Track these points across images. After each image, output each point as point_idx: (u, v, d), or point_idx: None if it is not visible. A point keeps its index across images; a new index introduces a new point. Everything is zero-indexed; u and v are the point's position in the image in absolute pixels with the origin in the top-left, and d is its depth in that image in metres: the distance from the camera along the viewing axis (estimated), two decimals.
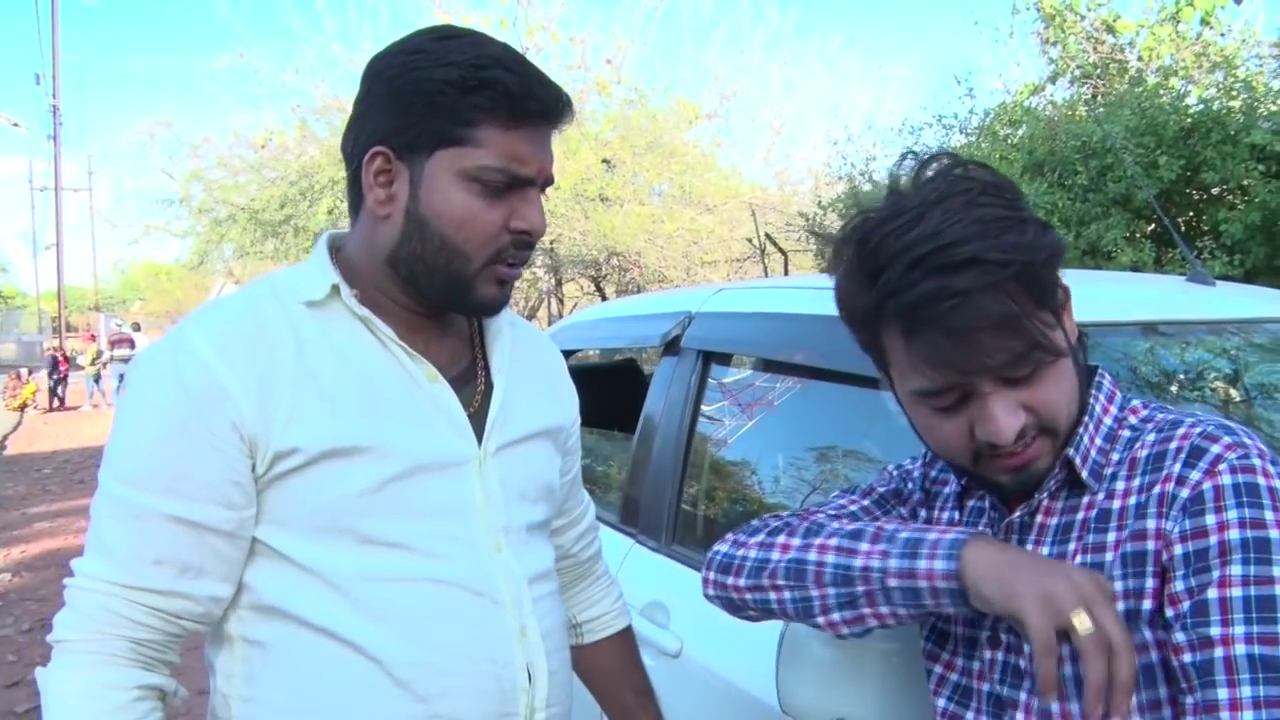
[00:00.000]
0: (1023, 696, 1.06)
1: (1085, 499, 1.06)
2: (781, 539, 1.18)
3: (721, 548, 1.26)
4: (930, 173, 1.05)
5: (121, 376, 20.78)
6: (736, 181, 15.94)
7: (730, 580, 1.22)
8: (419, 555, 1.17)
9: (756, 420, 2.33)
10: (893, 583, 1.04)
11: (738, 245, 14.33)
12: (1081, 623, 0.89)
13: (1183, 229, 5.76)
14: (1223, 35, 6.71)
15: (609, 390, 3.37)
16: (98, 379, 22.73)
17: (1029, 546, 1.08)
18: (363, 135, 1.17)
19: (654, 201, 14.41)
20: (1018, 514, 1.10)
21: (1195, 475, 0.98)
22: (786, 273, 10.98)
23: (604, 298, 16.49)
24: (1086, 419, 1.07)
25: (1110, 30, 7.06)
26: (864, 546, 1.08)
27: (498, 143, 1.14)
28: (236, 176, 15.23)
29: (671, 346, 2.37)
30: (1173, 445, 1.02)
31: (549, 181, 1.20)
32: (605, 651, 1.48)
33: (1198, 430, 1.02)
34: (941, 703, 1.16)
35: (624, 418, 3.11)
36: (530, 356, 1.38)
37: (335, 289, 1.18)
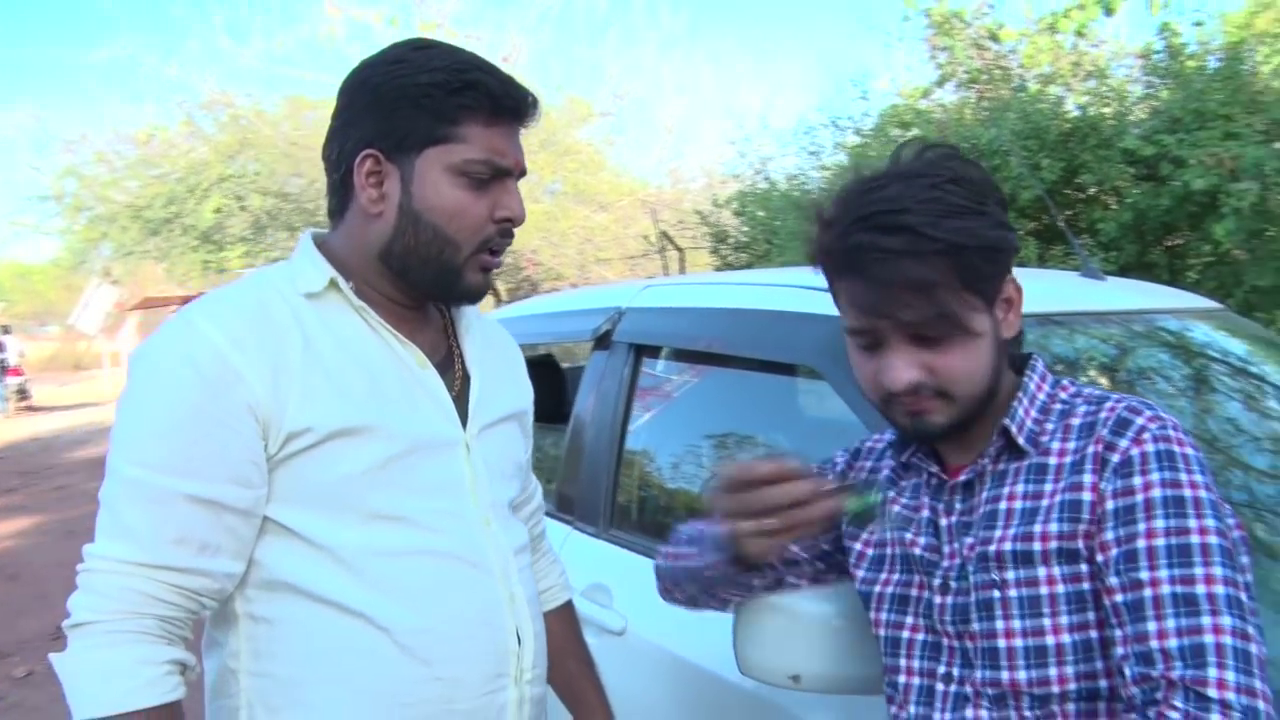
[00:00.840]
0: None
1: (1027, 460, 1.20)
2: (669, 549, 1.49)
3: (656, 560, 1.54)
4: (923, 156, 1.20)
5: None
6: (630, 180, 16.13)
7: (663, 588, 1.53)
8: (420, 529, 1.26)
9: (686, 409, 2.46)
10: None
11: (632, 243, 14.50)
12: None
13: (1062, 228, 6.08)
14: (1095, 46, 7.08)
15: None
16: None
17: (975, 497, 1.22)
18: (349, 141, 1.27)
19: (548, 200, 14.48)
20: (963, 476, 1.23)
21: (1124, 443, 1.13)
22: (683, 269, 11.18)
23: (497, 295, 16.48)
24: (1021, 395, 1.22)
25: (994, 38, 7.39)
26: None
27: (480, 138, 1.26)
28: (117, 173, 14.81)
29: (603, 341, 2.48)
30: (1102, 415, 1.17)
31: (524, 173, 1.33)
32: (552, 623, 1.57)
33: (1123, 405, 1.17)
34: (887, 659, 1.30)
35: (545, 409, 3.22)
36: (496, 346, 1.51)
37: (333, 282, 1.26)
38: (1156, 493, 1.09)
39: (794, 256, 6.35)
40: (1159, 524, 1.08)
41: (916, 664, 1.26)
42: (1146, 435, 1.12)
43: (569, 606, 1.67)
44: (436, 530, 1.28)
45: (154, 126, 14.58)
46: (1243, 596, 1.06)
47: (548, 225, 13.36)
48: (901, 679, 1.28)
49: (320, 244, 1.33)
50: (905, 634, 1.28)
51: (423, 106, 1.24)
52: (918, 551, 1.26)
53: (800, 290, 2.01)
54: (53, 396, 22.43)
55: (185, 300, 26.67)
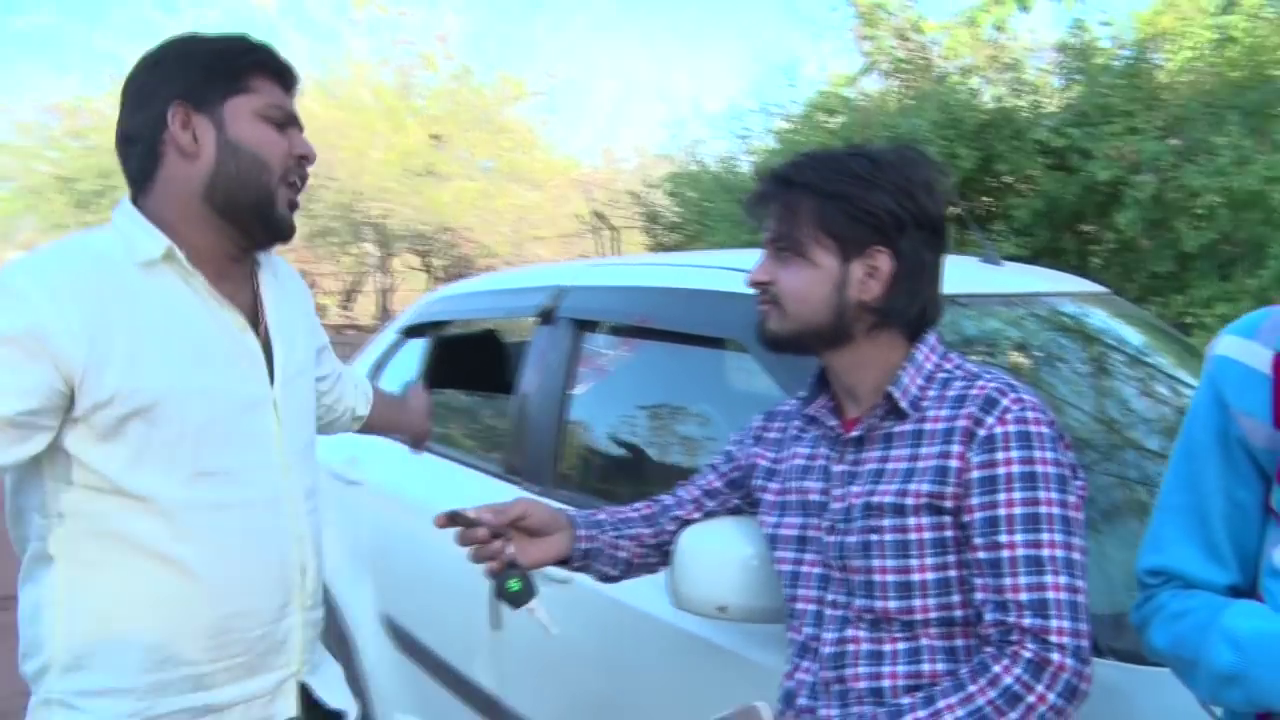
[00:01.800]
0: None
1: (907, 425, 1.43)
2: None
3: None
4: (887, 148, 1.50)
5: None
6: (564, 159, 16.21)
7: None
8: (235, 483, 1.46)
9: (622, 381, 2.67)
10: None
11: (566, 222, 14.60)
12: None
13: (980, 213, 6.37)
14: (1013, 39, 7.38)
15: (473, 356, 3.66)
16: None
17: (864, 453, 1.45)
18: (156, 104, 1.44)
19: (482, 178, 14.54)
20: (854, 432, 1.47)
21: (990, 420, 1.36)
22: (617, 248, 11.34)
23: (430, 271, 16.51)
24: (908, 364, 1.45)
25: (917, 29, 7.66)
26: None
27: (270, 92, 1.50)
28: (42, 143, 14.55)
29: (547, 317, 2.67)
30: (973, 392, 1.40)
31: (302, 127, 1.57)
32: (379, 406, 2.02)
33: (992, 385, 1.40)
34: (786, 589, 1.53)
35: (490, 380, 3.44)
36: (289, 289, 1.68)
37: (168, 251, 1.42)
38: (1015, 468, 1.33)
39: (724, 237, 6.56)
40: (1016, 495, 1.32)
41: (811, 593, 1.49)
42: (1009, 415, 1.35)
43: (377, 392, 2.08)
44: (247, 483, 1.48)
45: (80, 97, 14.37)
46: (1075, 556, 1.32)
47: (482, 203, 13.43)
48: (799, 605, 1.51)
49: (141, 210, 1.46)
50: (803, 569, 1.51)
51: (218, 67, 1.46)
52: (813, 497, 1.50)
53: (727, 271, 2.23)
54: None
55: None
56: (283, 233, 1.52)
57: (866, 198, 1.39)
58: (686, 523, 1.72)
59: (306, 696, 1.60)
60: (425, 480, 2.97)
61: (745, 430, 1.72)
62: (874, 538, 1.39)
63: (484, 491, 2.63)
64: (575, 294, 2.65)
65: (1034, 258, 5.92)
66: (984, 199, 6.38)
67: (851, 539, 1.42)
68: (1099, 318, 2.55)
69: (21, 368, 1.28)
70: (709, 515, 1.73)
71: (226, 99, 1.45)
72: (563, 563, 1.67)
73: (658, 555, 1.74)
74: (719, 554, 1.65)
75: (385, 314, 15.88)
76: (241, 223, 1.48)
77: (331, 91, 14.57)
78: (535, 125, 16.51)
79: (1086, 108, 5.75)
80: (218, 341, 1.46)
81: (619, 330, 2.63)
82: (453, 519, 1.58)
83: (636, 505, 1.78)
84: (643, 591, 1.97)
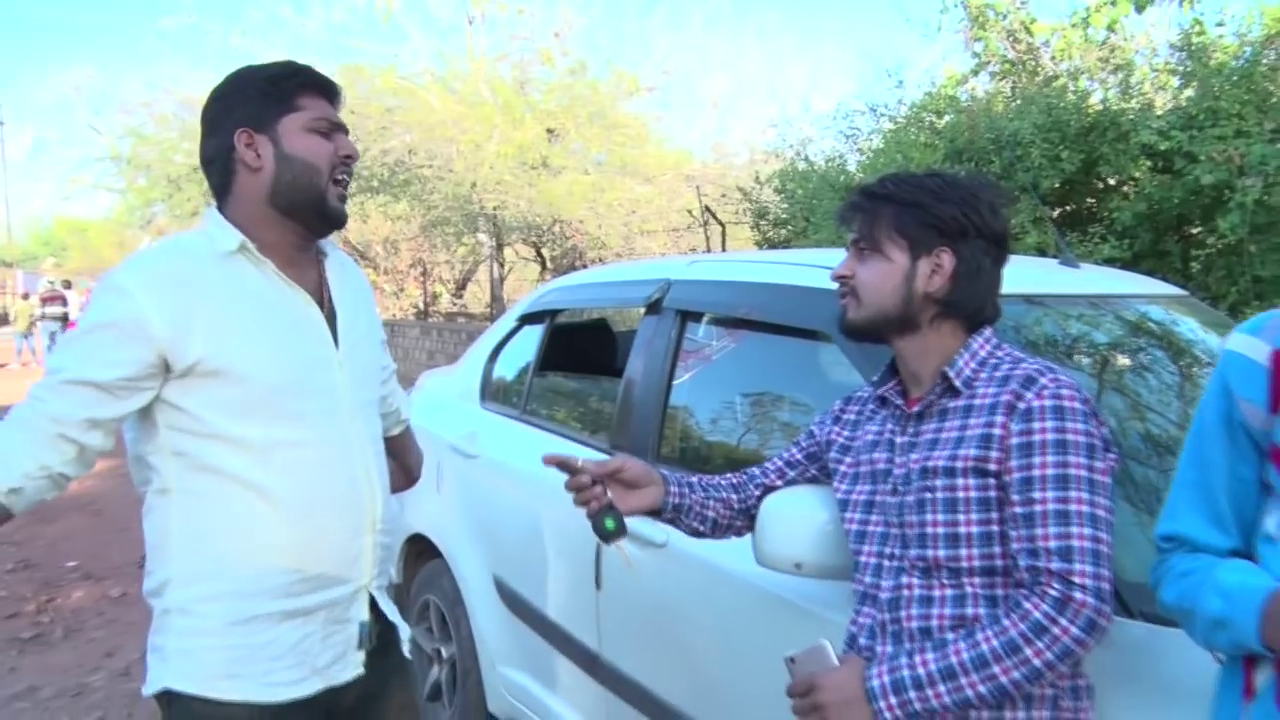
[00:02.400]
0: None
1: (960, 400, 1.64)
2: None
3: None
4: (963, 174, 1.78)
5: (53, 335, 20.50)
6: (675, 154, 16.40)
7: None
8: (307, 425, 1.78)
9: (722, 368, 2.90)
10: None
11: (675, 216, 14.81)
12: None
13: (1083, 215, 6.42)
14: (1125, 40, 7.36)
15: (585, 342, 3.95)
16: (27, 335, 22.43)
17: (924, 427, 1.68)
18: (223, 132, 1.78)
19: (595, 171, 14.81)
20: (916, 408, 1.69)
21: (1029, 395, 1.57)
22: (724, 243, 11.53)
23: (543, 262, 16.91)
24: (963, 350, 1.67)
25: (1028, 31, 7.69)
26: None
27: (316, 106, 1.80)
28: (184, 136, 15.28)
29: (654, 308, 2.92)
30: (1016, 372, 1.61)
31: (347, 130, 1.87)
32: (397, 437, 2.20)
33: (1033, 367, 1.62)
34: (852, 545, 1.76)
35: (597, 364, 3.73)
36: (351, 279, 2.00)
37: (242, 244, 1.75)
38: (1050, 436, 1.54)
39: (829, 234, 6.71)
40: (1049, 459, 1.54)
41: (874, 548, 1.72)
42: (1046, 392, 1.57)
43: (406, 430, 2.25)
44: (318, 426, 1.79)
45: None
46: (1099, 513, 1.52)
47: (594, 196, 13.70)
48: (863, 559, 1.74)
49: (223, 214, 1.80)
50: (869, 528, 1.74)
51: (271, 93, 1.77)
52: (880, 466, 1.73)
53: (818, 269, 2.44)
54: None
55: None
56: (336, 221, 1.85)
57: (936, 207, 1.67)
58: (770, 490, 1.96)
59: (374, 608, 1.92)
60: (532, 454, 3.24)
61: (827, 412, 1.95)
62: (928, 495, 1.62)
63: None
64: (680, 286, 2.89)
65: (1135, 260, 5.95)
66: (1088, 200, 6.41)
67: (910, 498, 1.65)
68: (1172, 319, 2.69)
69: (119, 345, 1.64)
70: (789, 484, 1.96)
71: (280, 118, 1.77)
72: (654, 514, 1.91)
73: (744, 519, 1.98)
74: (796, 517, 1.89)
75: (496, 302, 16.27)
76: (301, 217, 1.81)
77: (450, 86, 15.04)
78: (648, 120, 16.72)
79: (1195, 110, 5.76)
80: (285, 313, 1.79)
81: (720, 321, 2.87)
82: (560, 462, 1.87)
83: (726, 475, 2.03)
84: (730, 553, 2.21)
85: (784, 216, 8.81)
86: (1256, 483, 1.34)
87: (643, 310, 2.99)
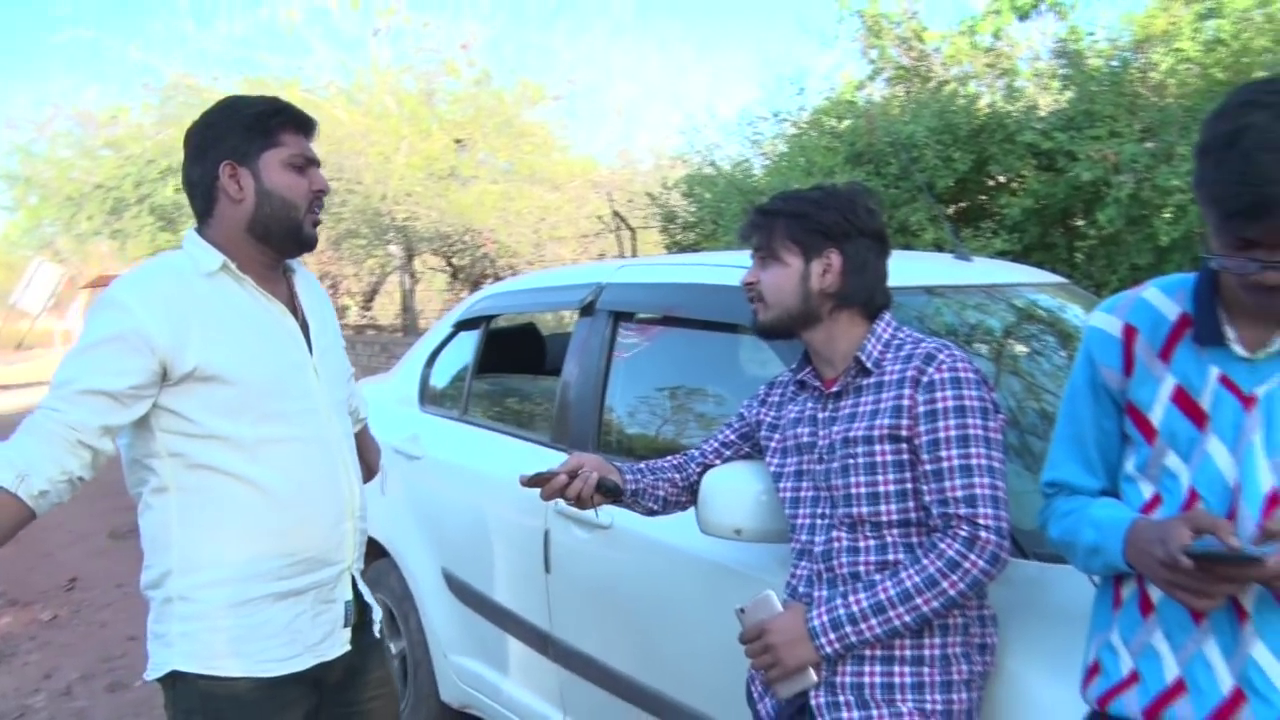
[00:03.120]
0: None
1: (871, 379, 1.91)
2: None
3: None
4: (839, 184, 2.04)
5: None
6: (582, 161, 16.57)
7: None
8: (290, 423, 1.97)
9: (653, 362, 3.13)
10: None
11: (584, 222, 14.97)
12: None
13: (976, 211, 6.80)
14: (1010, 46, 7.80)
15: (517, 345, 4.16)
16: None
17: (843, 404, 1.93)
18: (209, 161, 1.97)
19: (504, 180, 14.91)
20: (834, 388, 1.96)
21: (930, 370, 1.85)
22: (635, 247, 11.78)
23: (454, 272, 16.96)
24: (870, 336, 1.94)
25: (919, 38, 8.09)
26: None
27: (294, 143, 1.97)
28: (82, 154, 15.01)
29: (588, 310, 3.14)
30: (919, 350, 1.89)
31: (320, 164, 2.04)
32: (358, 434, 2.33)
33: (931, 345, 1.89)
34: (788, 510, 2.00)
35: (530, 362, 3.94)
36: (315, 291, 2.21)
37: (224, 264, 1.93)
38: (950, 403, 1.82)
39: (736, 236, 6.98)
40: (951, 422, 1.81)
41: (806, 510, 1.98)
42: (944, 366, 1.84)
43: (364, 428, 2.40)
44: (300, 424, 1.99)
45: (117, 108, 14.84)
46: (995, 465, 1.81)
47: (503, 205, 13.79)
48: (798, 521, 1.99)
49: (203, 235, 1.98)
50: (801, 494, 1.99)
51: (256, 127, 1.94)
52: (805, 439, 1.99)
53: (740, 269, 2.68)
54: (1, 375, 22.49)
55: None
56: (308, 247, 2.04)
57: (820, 214, 1.96)
58: (709, 467, 2.20)
59: (353, 589, 2.12)
60: (477, 452, 3.44)
61: (753, 396, 2.20)
62: (850, 461, 1.88)
63: (533, 458, 3.11)
64: (612, 289, 3.12)
65: (1025, 252, 6.35)
66: (980, 198, 6.80)
67: (835, 465, 1.90)
68: (1057, 304, 3.00)
69: (126, 357, 1.81)
70: (726, 462, 2.21)
71: (262, 153, 1.94)
72: (616, 498, 2.13)
73: (688, 495, 2.22)
74: (734, 489, 2.13)
75: (408, 313, 16.26)
76: (276, 244, 1.99)
77: (355, 99, 15.03)
78: (554, 129, 16.87)
79: (1073, 113, 6.18)
80: (266, 324, 1.99)
81: (650, 320, 3.10)
82: (535, 479, 2.07)
83: (669, 457, 2.27)
84: (669, 529, 2.44)
85: (693, 220, 9.07)
86: (1118, 433, 1.62)
87: (577, 313, 3.21)
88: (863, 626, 1.78)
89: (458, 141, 14.45)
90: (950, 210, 6.87)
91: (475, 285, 16.17)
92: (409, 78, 15.54)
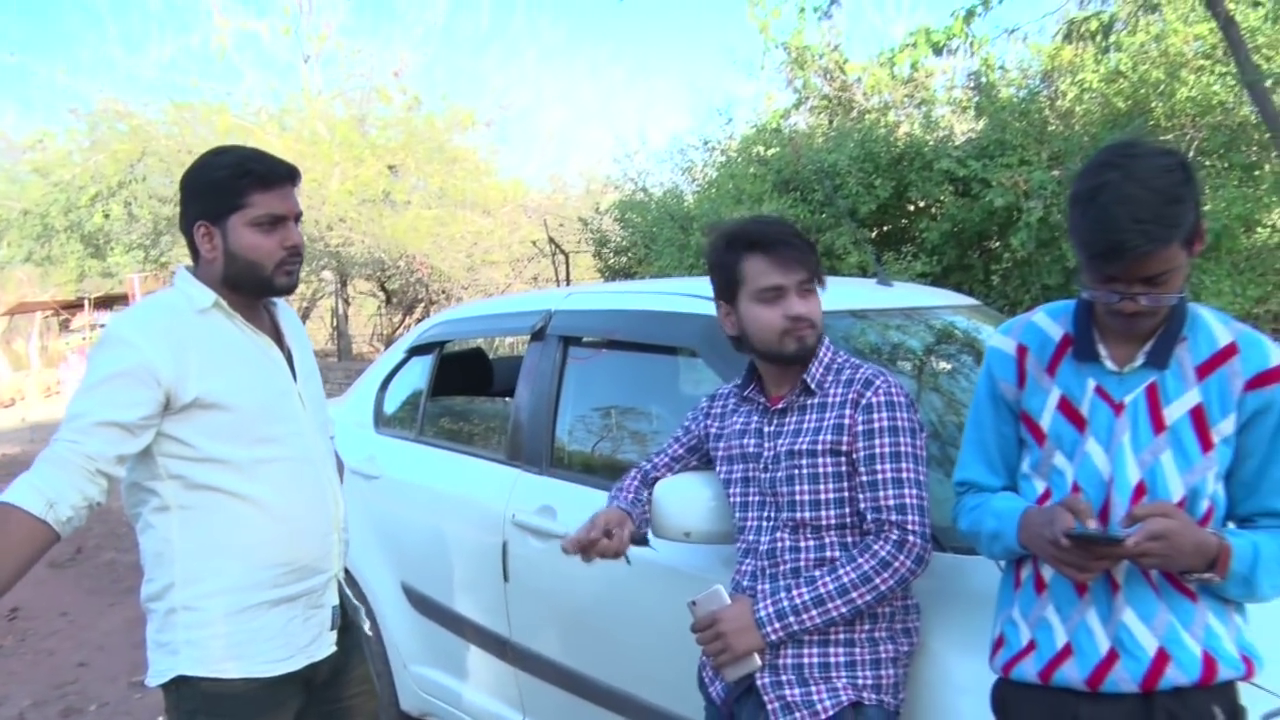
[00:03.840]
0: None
1: (815, 399, 2.14)
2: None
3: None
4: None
5: None
6: (514, 185, 16.77)
7: None
8: (281, 445, 2.15)
9: (601, 383, 3.35)
10: None
11: (517, 247, 15.19)
12: None
13: (898, 235, 7.15)
14: (926, 77, 8.19)
15: (468, 369, 4.36)
16: None
17: (786, 420, 2.16)
18: (187, 218, 2.14)
19: (437, 205, 15.04)
20: (780, 405, 2.19)
21: (868, 394, 2.09)
22: (569, 272, 12.00)
23: (387, 296, 17.05)
24: (815, 361, 2.16)
25: (841, 70, 8.45)
26: None
27: (262, 202, 2.07)
28: (7, 179, 14.85)
29: (538, 335, 3.36)
30: (858, 376, 2.13)
31: (299, 216, 2.16)
32: None
33: (869, 371, 2.14)
34: (737, 514, 2.23)
35: (477, 384, 4.14)
36: (294, 323, 2.38)
37: (216, 301, 2.10)
38: (885, 424, 2.07)
39: (669, 261, 7.25)
40: (886, 440, 2.06)
41: (752, 513, 2.21)
42: (881, 391, 2.09)
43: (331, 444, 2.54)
44: (289, 445, 2.15)
45: (42, 133, 14.71)
46: (921, 478, 2.06)
47: (437, 230, 13.94)
48: (745, 524, 2.22)
49: (195, 274, 2.14)
50: (748, 499, 2.22)
51: (224, 189, 2.07)
52: (750, 449, 2.22)
53: (684, 296, 2.93)
54: None
55: (63, 305, 26.20)
56: (282, 294, 2.19)
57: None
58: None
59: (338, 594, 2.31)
60: (433, 471, 3.63)
61: (697, 409, 2.43)
62: (795, 471, 2.12)
63: (486, 475, 3.32)
64: (561, 316, 3.34)
65: (945, 274, 6.70)
66: (901, 222, 7.15)
67: (780, 474, 2.14)
68: (972, 325, 3.29)
69: (135, 390, 1.96)
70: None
71: (230, 215, 2.06)
72: (643, 544, 2.37)
73: None
74: (683, 497, 2.35)
75: (342, 337, 16.28)
76: (249, 294, 2.14)
77: (287, 125, 15.10)
78: (487, 154, 17.07)
79: (986, 142, 6.56)
80: (255, 355, 2.16)
81: (597, 344, 3.32)
82: (580, 546, 2.27)
83: (632, 476, 2.47)
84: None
85: (625, 245, 9.33)
86: (1015, 438, 1.88)
87: (528, 338, 3.42)
88: (804, 616, 2.02)
89: (390, 167, 14.58)
90: (873, 234, 7.22)
91: (409, 310, 16.30)
92: (340, 104, 15.68)
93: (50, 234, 14.84)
